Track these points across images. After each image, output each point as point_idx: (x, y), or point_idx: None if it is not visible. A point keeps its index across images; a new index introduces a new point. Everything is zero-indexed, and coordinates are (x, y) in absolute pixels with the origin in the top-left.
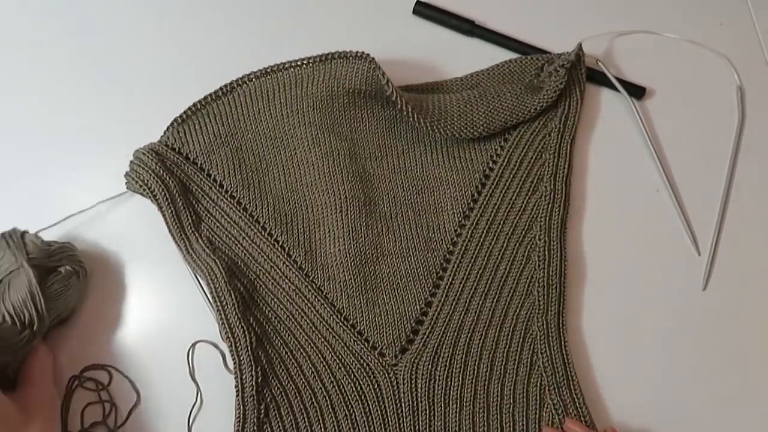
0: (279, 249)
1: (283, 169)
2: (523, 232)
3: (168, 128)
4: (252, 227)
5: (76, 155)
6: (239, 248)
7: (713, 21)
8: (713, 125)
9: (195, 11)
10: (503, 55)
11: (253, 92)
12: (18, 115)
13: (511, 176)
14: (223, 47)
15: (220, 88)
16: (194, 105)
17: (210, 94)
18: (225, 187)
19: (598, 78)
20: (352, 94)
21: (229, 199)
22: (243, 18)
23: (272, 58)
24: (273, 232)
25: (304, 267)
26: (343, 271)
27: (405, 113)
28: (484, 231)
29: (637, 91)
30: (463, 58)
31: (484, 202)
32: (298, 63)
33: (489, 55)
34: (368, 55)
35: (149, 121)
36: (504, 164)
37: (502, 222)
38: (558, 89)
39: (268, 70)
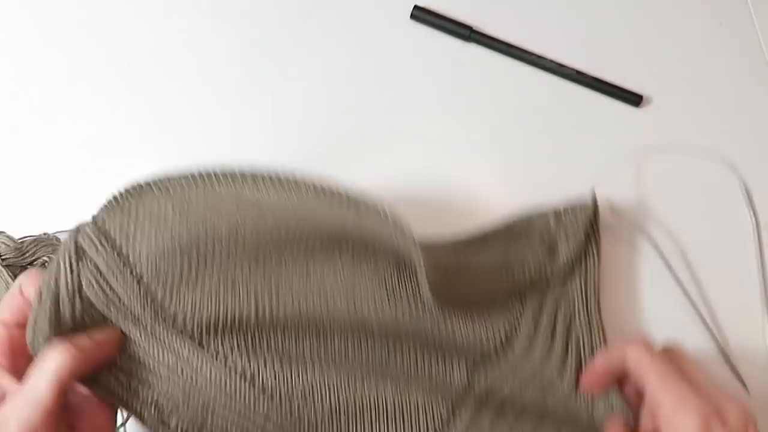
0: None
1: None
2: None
3: (103, 207)
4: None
5: (76, 159)
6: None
7: (713, 21)
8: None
9: (195, 12)
10: (501, 60)
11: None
12: (22, 117)
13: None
14: (222, 49)
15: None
16: (145, 183)
17: (180, 176)
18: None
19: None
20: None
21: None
22: (239, 23)
23: (266, 63)
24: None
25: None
26: None
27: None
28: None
29: (634, 99)
30: (461, 63)
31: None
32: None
33: (486, 61)
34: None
35: (149, 123)
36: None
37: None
38: (572, 259)
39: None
